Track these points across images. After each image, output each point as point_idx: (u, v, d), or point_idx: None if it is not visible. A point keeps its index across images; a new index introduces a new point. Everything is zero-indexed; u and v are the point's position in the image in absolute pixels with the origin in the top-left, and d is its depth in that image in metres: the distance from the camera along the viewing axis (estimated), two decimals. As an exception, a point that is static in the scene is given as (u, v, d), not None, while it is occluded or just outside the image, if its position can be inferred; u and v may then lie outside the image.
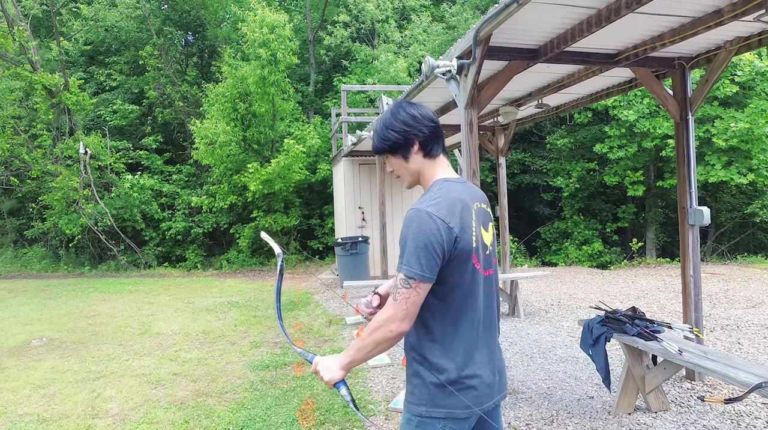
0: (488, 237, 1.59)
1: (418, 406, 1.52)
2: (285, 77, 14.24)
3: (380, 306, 1.75)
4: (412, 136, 1.57)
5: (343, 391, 1.55)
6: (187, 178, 16.19)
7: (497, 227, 8.41)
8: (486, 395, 1.52)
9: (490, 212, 1.66)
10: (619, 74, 5.03)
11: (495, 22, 3.31)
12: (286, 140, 13.48)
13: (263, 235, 1.94)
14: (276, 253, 1.79)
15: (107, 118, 16.46)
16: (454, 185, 1.54)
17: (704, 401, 3.71)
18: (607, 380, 3.60)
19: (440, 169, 1.61)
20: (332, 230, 14.43)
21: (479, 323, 1.53)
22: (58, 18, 16.64)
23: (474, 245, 1.48)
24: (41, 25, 18.29)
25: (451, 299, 1.48)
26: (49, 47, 16.57)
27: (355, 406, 1.54)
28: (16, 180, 15.37)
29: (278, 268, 1.79)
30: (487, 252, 1.57)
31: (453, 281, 1.47)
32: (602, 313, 3.82)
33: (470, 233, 1.47)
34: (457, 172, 10.90)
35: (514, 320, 6.73)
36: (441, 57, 4.06)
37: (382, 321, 1.44)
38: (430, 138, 1.59)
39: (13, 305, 9.09)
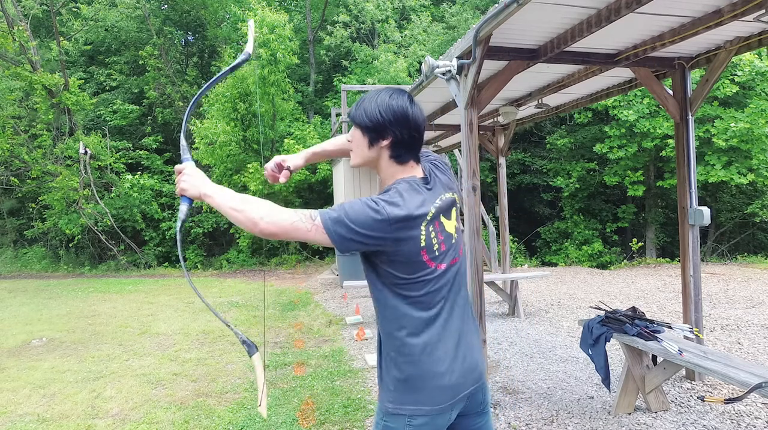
0: (450, 225, 1.53)
1: (384, 403, 1.50)
2: (285, 77, 14.25)
3: (280, 169, 1.76)
4: (389, 131, 1.47)
5: (184, 208, 1.51)
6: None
7: (497, 227, 8.42)
8: (451, 389, 1.47)
9: (457, 198, 1.59)
10: (619, 74, 5.03)
11: (495, 22, 3.31)
12: (286, 140, 13.48)
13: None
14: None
15: (107, 118, 16.47)
16: (412, 186, 1.48)
17: (704, 401, 3.71)
18: (606, 380, 3.60)
19: (403, 172, 1.53)
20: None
21: (442, 315, 1.48)
22: (58, 18, 16.65)
23: (423, 244, 1.42)
24: (41, 25, 18.30)
25: (408, 295, 1.45)
26: (49, 47, 16.58)
27: (182, 225, 1.51)
28: (16, 180, 15.38)
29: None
30: (452, 241, 1.52)
31: (407, 276, 1.43)
32: (602, 313, 3.81)
33: (417, 234, 1.42)
34: (457, 172, 10.84)
35: (514, 320, 6.73)
36: (441, 57, 4.06)
37: (264, 210, 1.36)
38: (406, 145, 1.50)
39: (13, 305, 9.09)
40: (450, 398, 1.47)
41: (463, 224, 3.93)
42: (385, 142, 1.49)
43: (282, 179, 1.78)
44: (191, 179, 1.48)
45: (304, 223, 1.35)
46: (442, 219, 1.50)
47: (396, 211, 1.38)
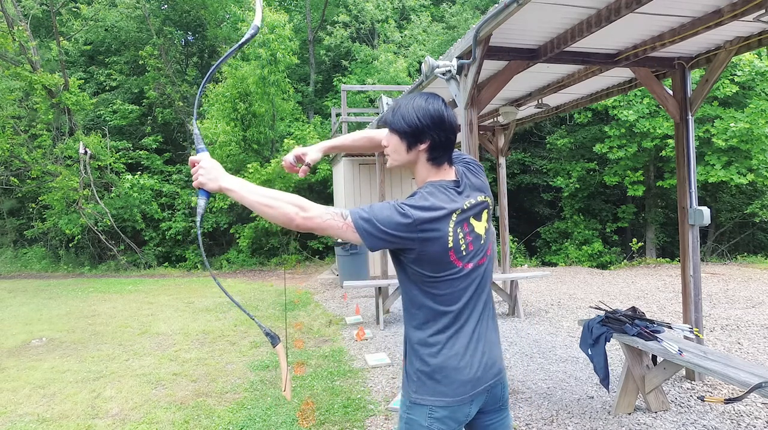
0: (480, 226, 1.57)
1: (408, 393, 1.56)
2: (285, 77, 14.25)
3: (299, 161, 1.78)
4: (427, 135, 1.52)
5: (202, 202, 1.49)
6: (187, 178, 16.18)
7: (497, 227, 8.43)
8: (471, 382, 1.52)
9: (489, 201, 1.64)
10: (619, 74, 5.03)
11: (495, 22, 3.31)
12: (286, 140, 13.48)
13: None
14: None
15: (107, 118, 16.46)
16: (440, 190, 1.53)
17: (704, 401, 3.71)
18: (605, 380, 3.60)
19: (437, 174, 1.58)
20: (332, 230, 14.42)
21: (465, 312, 1.53)
22: (58, 18, 16.65)
23: (450, 244, 1.47)
24: (41, 25, 18.30)
25: (434, 293, 1.50)
26: (49, 47, 16.57)
27: (201, 220, 1.51)
28: (16, 180, 15.37)
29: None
30: (481, 241, 1.57)
31: (435, 275, 1.49)
32: (602, 313, 3.81)
33: (444, 234, 1.47)
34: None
35: (514, 320, 6.73)
36: (441, 57, 4.06)
37: (299, 203, 1.41)
38: (442, 146, 1.55)
39: (13, 305, 9.09)
40: (470, 390, 1.52)
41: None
42: (423, 146, 1.54)
43: (300, 174, 1.79)
44: (209, 172, 1.47)
45: (336, 221, 1.42)
46: (472, 220, 1.55)
47: (421, 214, 1.45)
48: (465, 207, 1.52)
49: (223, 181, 1.46)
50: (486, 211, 1.61)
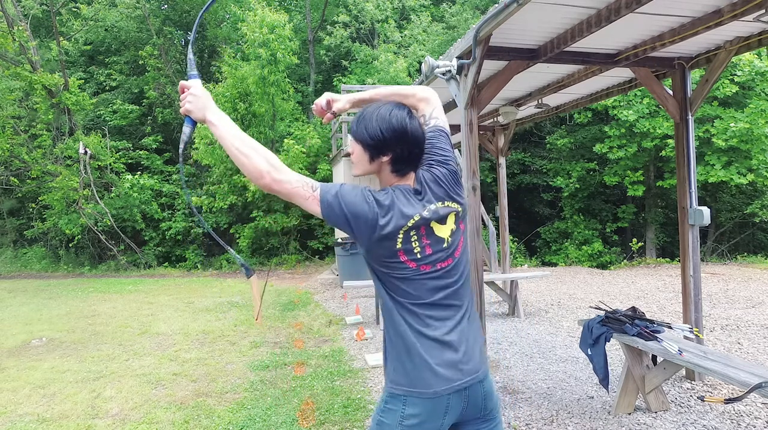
0: (444, 230, 1.55)
1: (386, 384, 1.55)
2: (285, 77, 14.24)
3: (329, 107, 1.75)
4: (389, 148, 1.50)
5: (187, 130, 1.47)
6: (187, 178, 16.18)
7: (497, 227, 8.41)
8: (445, 379, 1.48)
9: (458, 207, 1.60)
10: (619, 74, 5.03)
11: (495, 22, 3.31)
12: (286, 140, 13.48)
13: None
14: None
15: (107, 118, 16.46)
16: (403, 193, 1.52)
17: (704, 401, 3.71)
18: (605, 380, 3.60)
19: (400, 181, 1.57)
20: (332, 229, 14.44)
21: (434, 312, 1.51)
22: (58, 18, 16.65)
23: (399, 246, 1.47)
24: (41, 25, 18.30)
25: (396, 290, 1.51)
26: (49, 47, 16.57)
27: (185, 148, 1.50)
28: (16, 180, 15.37)
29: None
30: (443, 245, 1.54)
31: (387, 270, 1.50)
32: (602, 313, 3.82)
33: (394, 235, 1.47)
34: (457, 173, 10.83)
35: (514, 320, 6.73)
36: (441, 57, 4.06)
37: (274, 163, 1.40)
38: (406, 160, 1.53)
39: (13, 305, 9.09)
40: (443, 384, 1.47)
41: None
42: (385, 158, 1.52)
43: (325, 120, 1.77)
44: (197, 100, 1.45)
45: (304, 190, 1.43)
46: (433, 225, 1.53)
47: (383, 199, 1.47)
48: (424, 215, 1.51)
49: (210, 112, 1.44)
50: (453, 214, 1.58)
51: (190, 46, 1.57)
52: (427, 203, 1.54)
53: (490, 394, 1.58)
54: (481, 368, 1.56)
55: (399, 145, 1.50)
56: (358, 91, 15.63)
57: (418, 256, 1.50)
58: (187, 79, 1.49)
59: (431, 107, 1.72)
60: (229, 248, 1.62)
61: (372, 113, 1.53)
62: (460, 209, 1.61)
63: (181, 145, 1.51)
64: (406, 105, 1.61)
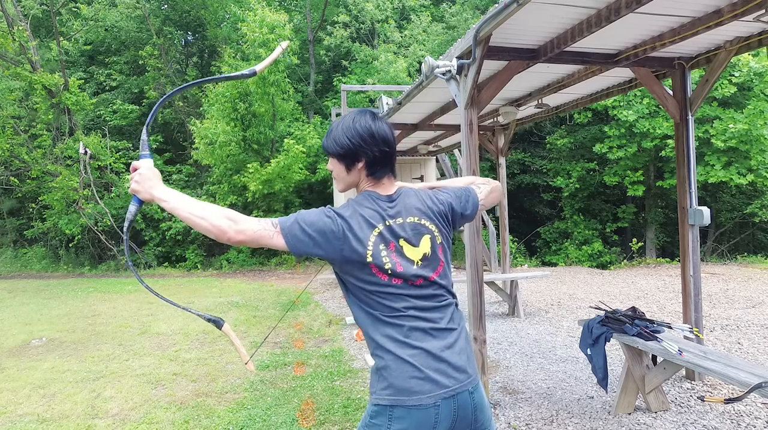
0: (415, 253, 1.53)
1: (371, 396, 1.53)
2: (285, 77, 14.24)
3: None
4: (361, 153, 1.53)
5: (132, 208, 1.49)
6: (187, 178, 16.19)
7: (497, 227, 8.41)
8: (431, 383, 1.45)
9: (433, 228, 1.59)
10: (619, 74, 5.03)
11: (495, 22, 3.31)
12: (286, 140, 13.48)
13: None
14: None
15: (107, 118, 16.46)
16: (369, 200, 1.54)
17: (704, 401, 3.71)
18: (604, 380, 3.60)
19: (374, 187, 1.57)
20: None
21: (404, 319, 1.49)
22: (58, 18, 16.65)
23: (369, 259, 1.46)
24: (41, 25, 18.29)
25: (369, 302, 1.50)
26: (49, 47, 16.58)
27: (129, 225, 1.51)
28: (16, 180, 15.37)
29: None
30: (414, 267, 1.52)
31: (361, 284, 1.49)
32: (602, 313, 3.81)
33: (364, 245, 1.46)
34: (456, 172, 10.79)
35: (514, 320, 6.73)
36: (441, 57, 4.06)
37: (231, 216, 1.41)
38: (378, 161, 1.55)
39: (13, 305, 9.09)
40: (429, 391, 1.44)
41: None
42: (360, 164, 1.55)
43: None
44: (144, 180, 1.46)
45: (267, 230, 1.43)
46: (403, 243, 1.52)
47: (344, 211, 1.49)
48: (391, 224, 1.51)
49: (156, 191, 1.45)
50: (426, 237, 1.56)
51: (145, 127, 1.57)
52: (397, 215, 1.53)
53: (481, 406, 1.53)
54: (469, 378, 1.52)
55: (368, 148, 1.53)
56: (358, 91, 15.63)
57: (389, 271, 1.49)
58: (138, 159, 1.52)
59: (487, 186, 1.81)
60: (190, 309, 1.60)
61: (337, 126, 1.58)
62: (438, 236, 1.59)
63: (126, 223, 1.52)
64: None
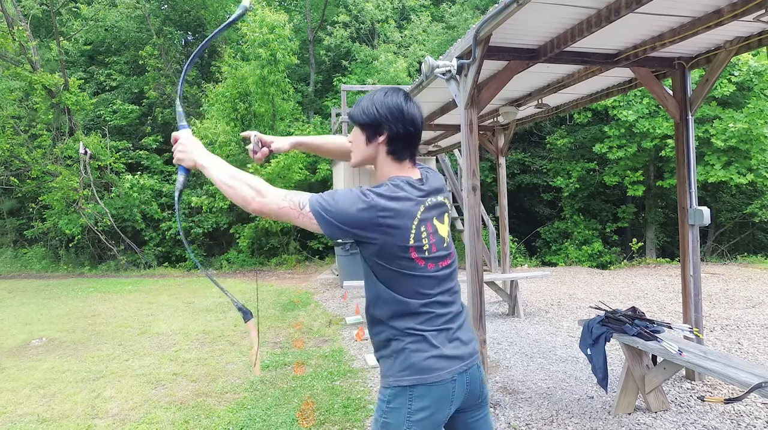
0: (443, 229, 1.57)
1: (386, 381, 1.52)
2: (285, 77, 14.24)
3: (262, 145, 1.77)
4: (385, 126, 1.52)
5: (181, 178, 1.54)
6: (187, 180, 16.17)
7: (497, 227, 8.41)
8: (447, 360, 1.49)
9: (447, 202, 1.63)
10: (619, 74, 5.03)
11: (495, 22, 3.31)
12: (286, 140, 13.44)
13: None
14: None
15: (107, 118, 16.46)
16: (406, 184, 1.52)
17: (704, 401, 3.71)
18: (604, 380, 3.60)
19: (400, 170, 1.57)
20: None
21: (431, 307, 1.52)
22: (58, 18, 16.64)
23: (411, 242, 1.46)
24: (41, 25, 18.29)
25: (398, 288, 1.50)
26: (49, 47, 16.57)
27: (180, 195, 1.55)
28: (16, 180, 15.37)
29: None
30: (444, 244, 1.56)
31: (395, 268, 1.48)
32: (602, 313, 3.82)
33: (406, 229, 1.46)
34: (456, 173, 10.79)
35: (514, 320, 6.73)
36: (441, 57, 4.06)
37: (257, 187, 1.41)
38: (401, 140, 1.54)
39: (13, 305, 9.09)
40: (449, 366, 1.48)
41: (462, 225, 3.92)
42: (381, 138, 1.53)
43: (257, 159, 1.78)
44: (187, 149, 1.50)
45: (292, 210, 1.42)
46: (435, 221, 1.54)
47: (383, 201, 1.43)
48: (428, 204, 1.52)
49: (199, 158, 1.49)
50: (447, 214, 1.61)
51: (178, 99, 1.60)
52: (430, 194, 1.55)
53: (484, 381, 1.62)
54: (476, 353, 1.60)
55: (394, 123, 1.52)
56: (358, 91, 15.66)
57: (426, 253, 1.50)
58: (177, 130, 1.54)
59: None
60: (225, 289, 1.61)
61: (369, 96, 1.58)
62: (448, 205, 1.65)
63: (176, 193, 1.56)
64: (344, 152, 1.68)
